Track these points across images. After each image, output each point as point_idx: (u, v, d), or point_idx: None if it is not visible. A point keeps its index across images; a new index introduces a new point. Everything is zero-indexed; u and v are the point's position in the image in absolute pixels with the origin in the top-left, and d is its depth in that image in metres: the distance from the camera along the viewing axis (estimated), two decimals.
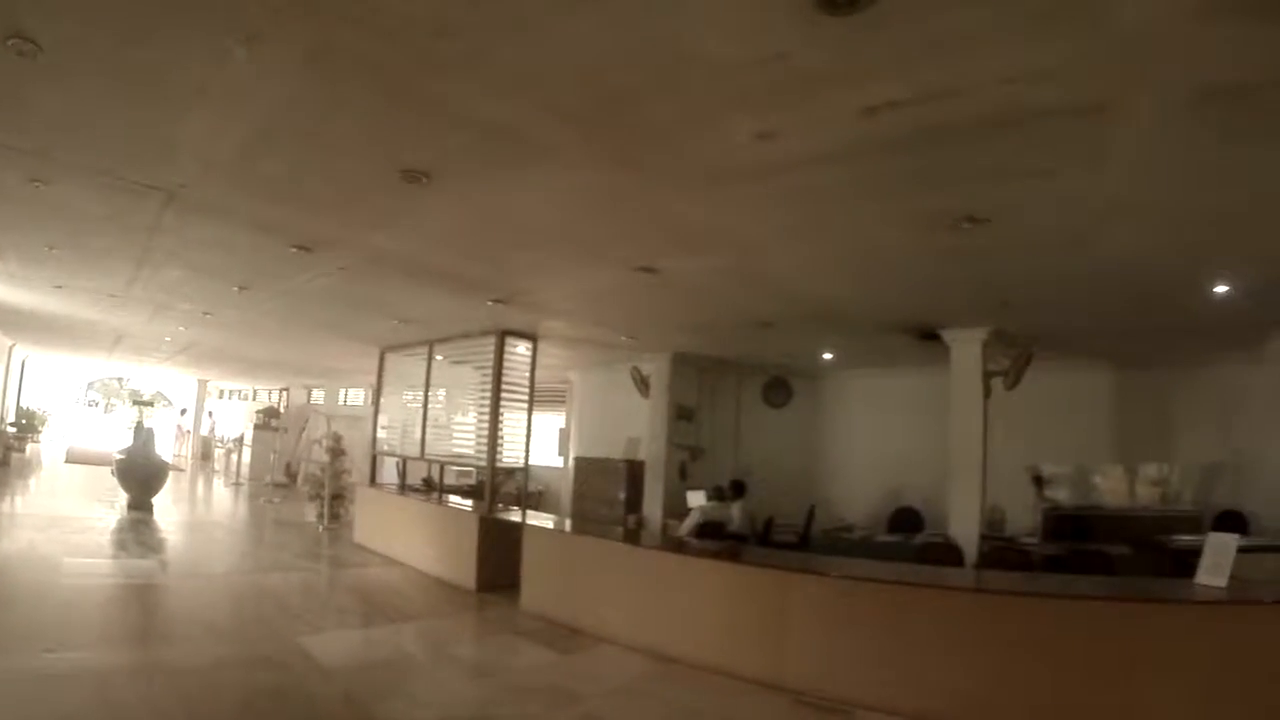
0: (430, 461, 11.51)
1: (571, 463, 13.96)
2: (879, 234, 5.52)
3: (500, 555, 8.76)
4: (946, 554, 7.94)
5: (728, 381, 13.12)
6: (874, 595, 5.95)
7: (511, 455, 10.14)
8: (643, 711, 5.61)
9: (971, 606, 5.67)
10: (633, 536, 8.82)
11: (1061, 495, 11.05)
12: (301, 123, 4.23)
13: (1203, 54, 3.15)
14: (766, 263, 6.35)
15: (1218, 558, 5.36)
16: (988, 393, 8.65)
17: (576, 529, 9.19)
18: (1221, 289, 6.90)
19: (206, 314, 10.89)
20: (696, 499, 9.63)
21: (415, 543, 10.40)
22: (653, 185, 4.78)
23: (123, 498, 13.67)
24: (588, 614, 7.45)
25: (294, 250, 6.74)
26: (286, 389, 26.23)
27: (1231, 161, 4.20)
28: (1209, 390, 10.75)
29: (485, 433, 9.89)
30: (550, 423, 15.68)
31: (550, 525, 9.02)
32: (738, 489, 9.89)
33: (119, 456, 13.96)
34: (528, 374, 10.34)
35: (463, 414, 10.72)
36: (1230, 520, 9.92)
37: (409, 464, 12.21)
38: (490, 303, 8.19)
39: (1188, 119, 3.70)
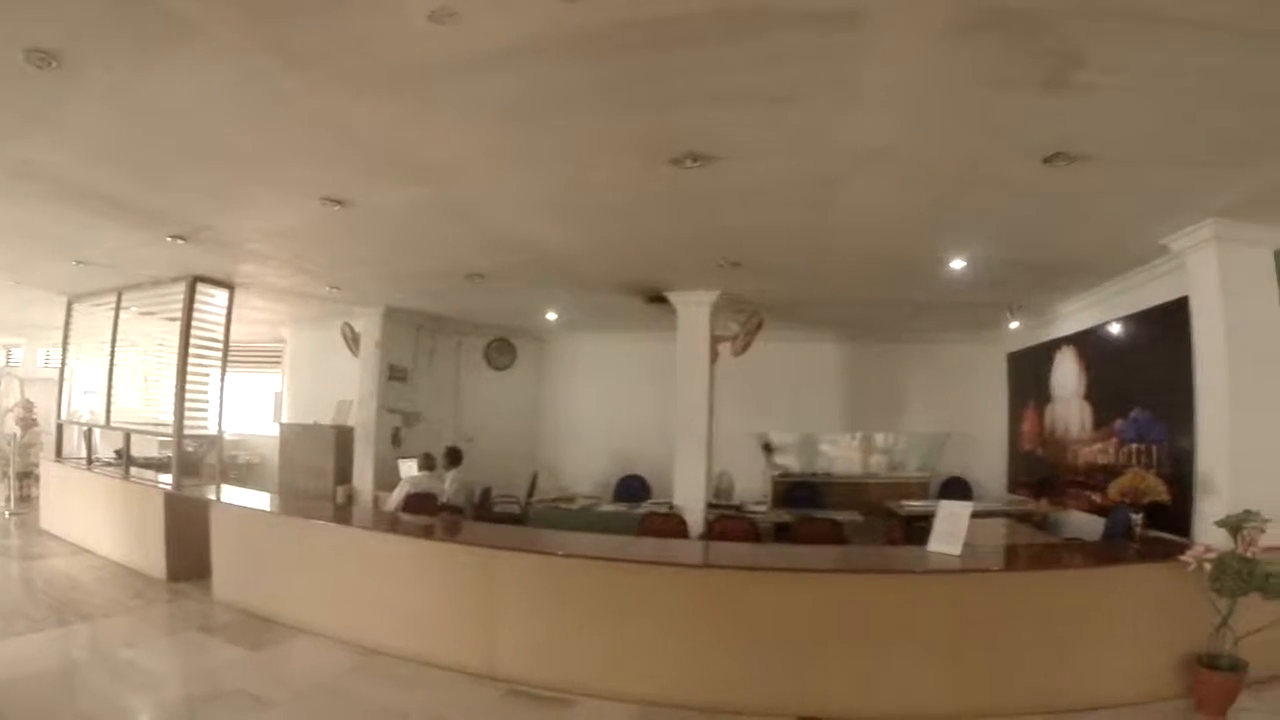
0: (118, 430, 10.04)
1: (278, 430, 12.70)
2: (592, 167, 4.87)
3: (194, 538, 7.61)
4: (669, 524, 7.54)
5: (447, 341, 12.23)
6: (588, 573, 5.45)
7: (207, 421, 8.94)
8: (336, 714, 4.97)
9: (693, 582, 5.32)
10: (335, 512, 7.91)
11: (793, 462, 11.26)
12: None
13: None
14: (468, 198, 5.58)
15: (950, 526, 5.39)
16: (715, 358, 8.43)
17: (272, 505, 8.10)
18: (958, 264, 6.90)
19: None
20: (407, 468, 8.98)
21: (101, 527, 9.08)
22: (321, 82, 3.84)
23: None
24: (285, 603, 6.60)
25: None
26: None
27: (984, 110, 3.89)
28: (937, 365, 11.56)
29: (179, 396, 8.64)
30: (268, 386, 14.25)
31: (248, 501, 7.89)
32: (453, 457, 9.22)
33: None
34: (223, 327, 9.10)
35: (155, 375, 9.36)
36: (956, 486, 10.74)
37: (110, 435, 10.66)
38: (170, 239, 6.95)
39: (945, 51, 3.31)
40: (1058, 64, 3.40)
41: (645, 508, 8.81)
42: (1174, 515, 6.30)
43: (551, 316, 10.80)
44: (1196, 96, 3.73)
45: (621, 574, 5.33)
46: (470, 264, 7.63)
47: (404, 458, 9.37)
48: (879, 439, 11.59)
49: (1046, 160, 4.46)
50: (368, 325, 10.70)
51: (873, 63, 3.44)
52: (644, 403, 11.14)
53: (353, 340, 10.90)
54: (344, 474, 10.61)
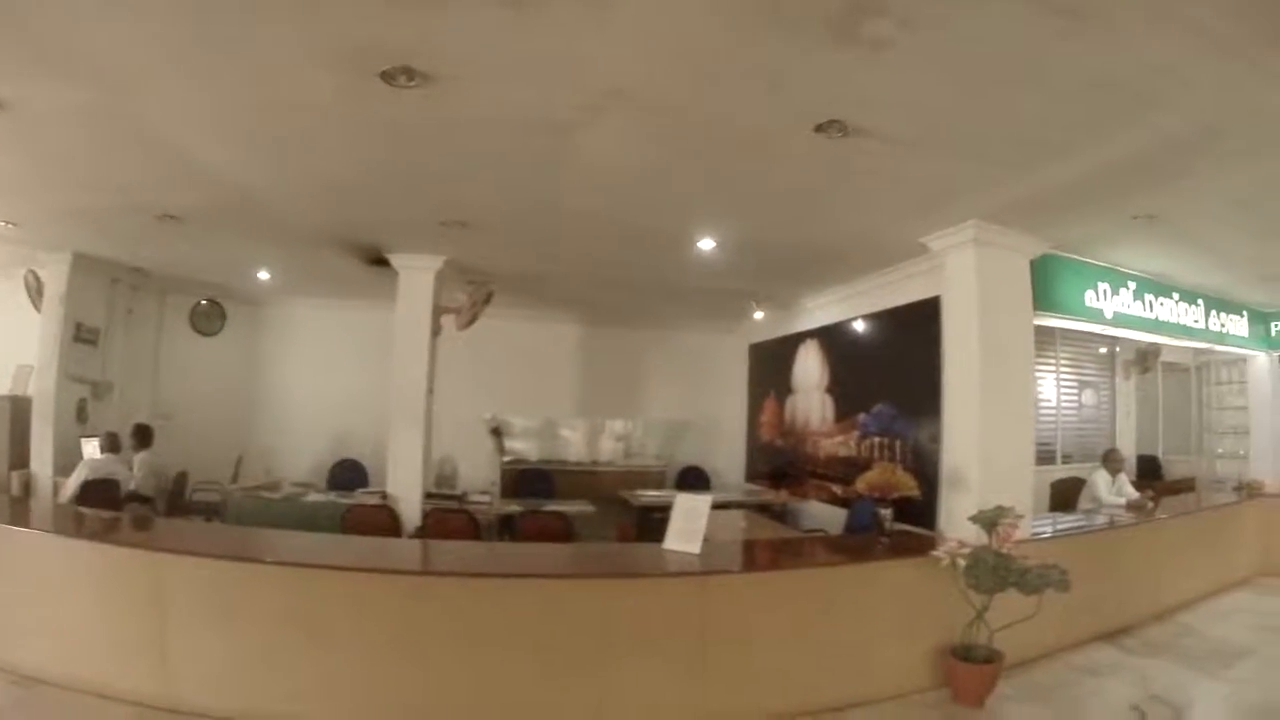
0: None
1: None
2: (290, 78, 3.88)
3: None
4: (378, 519, 6.71)
5: (148, 299, 10.44)
6: (275, 581, 4.56)
7: None
8: None
9: (394, 591, 4.50)
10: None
11: (524, 448, 10.80)
12: None
13: None
14: (145, 111, 4.43)
15: (689, 522, 4.98)
16: (437, 331, 7.70)
17: None
18: (707, 244, 6.62)
19: None
20: (90, 449, 7.71)
21: None
22: None
23: None
24: None
25: None
26: None
27: (755, 53, 3.36)
28: (678, 353, 11.67)
29: None
30: None
31: None
32: (141, 437, 8.09)
33: None
34: None
35: None
36: (694, 476, 10.91)
37: None
38: None
39: None
40: (852, 5, 2.91)
41: (357, 497, 7.90)
42: (923, 509, 6.36)
43: (264, 276, 9.48)
44: (997, 77, 3.46)
45: (315, 582, 4.48)
46: (160, 202, 6.34)
47: (88, 436, 7.98)
48: (616, 426, 11.31)
49: (819, 128, 4.01)
50: (53, 274, 8.89)
51: None
52: (366, 379, 10.04)
53: (37, 292, 9.09)
54: (21, 456, 8.89)
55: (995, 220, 5.62)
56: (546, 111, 4.05)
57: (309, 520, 7.14)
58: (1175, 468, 10.72)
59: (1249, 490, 8.67)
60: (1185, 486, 9.82)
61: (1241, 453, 10.49)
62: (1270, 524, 8.47)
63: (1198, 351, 10.59)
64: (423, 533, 6.67)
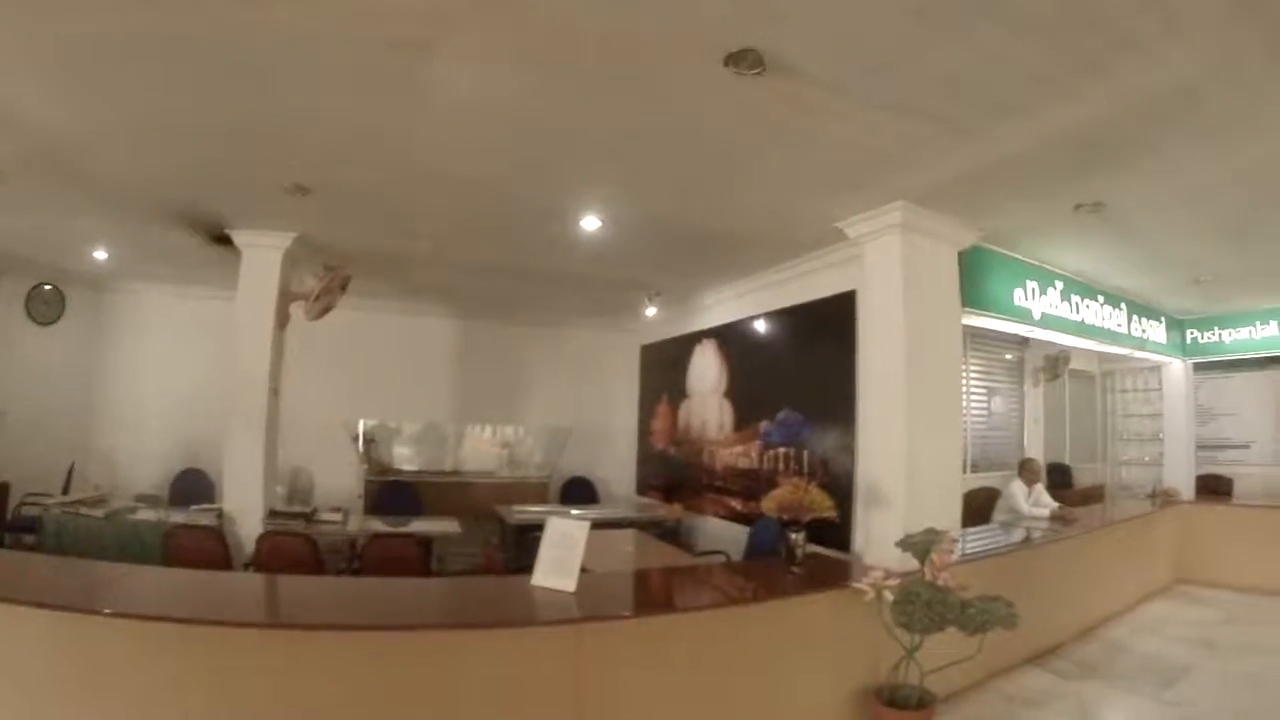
0: None
1: None
2: None
3: None
4: (204, 543, 5.60)
5: None
6: (42, 628, 3.50)
7: None
8: None
9: (191, 643, 3.48)
10: None
11: (393, 457, 9.88)
12: None
13: None
14: None
15: (562, 552, 4.14)
16: (285, 321, 6.66)
17: None
18: (592, 223, 5.92)
19: None
20: None
21: None
22: None
23: None
24: None
25: None
26: None
27: None
28: (563, 353, 10.95)
29: None
30: None
31: None
32: None
33: None
34: None
35: None
36: (579, 488, 10.20)
37: None
38: None
39: None
40: None
41: (189, 516, 6.65)
42: (835, 528, 5.72)
43: (102, 256, 8.28)
44: None
45: (93, 631, 3.48)
46: None
47: None
48: (506, 432, 10.48)
49: (731, 59, 3.18)
50: None
51: None
52: (220, 378, 8.74)
53: None
54: None
55: (925, 204, 5.05)
56: (378, 21, 3.10)
57: (134, 544, 6.12)
58: (1082, 475, 10.61)
59: (1165, 498, 8.59)
60: (1095, 495, 9.69)
61: (1146, 459, 10.52)
62: (1185, 530, 8.50)
63: (1103, 358, 10.64)
64: (255, 562, 5.57)
